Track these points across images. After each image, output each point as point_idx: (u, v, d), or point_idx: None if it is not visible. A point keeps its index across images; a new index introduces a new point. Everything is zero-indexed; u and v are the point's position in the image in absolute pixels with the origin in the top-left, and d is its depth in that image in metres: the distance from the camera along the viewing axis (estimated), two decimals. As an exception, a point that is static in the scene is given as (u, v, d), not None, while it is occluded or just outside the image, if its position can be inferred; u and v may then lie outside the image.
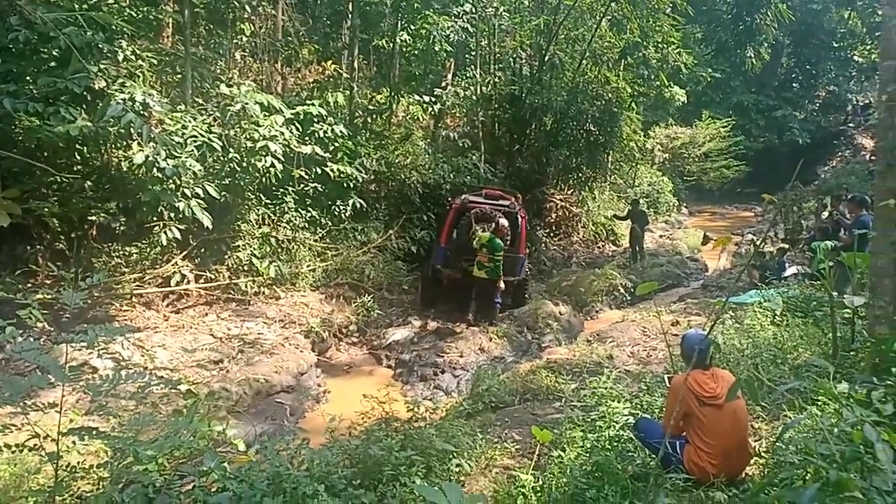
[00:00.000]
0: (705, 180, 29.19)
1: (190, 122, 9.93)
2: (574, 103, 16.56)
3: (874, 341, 4.31)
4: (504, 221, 11.48)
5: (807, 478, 3.20)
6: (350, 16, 15.38)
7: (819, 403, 3.94)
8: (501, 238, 11.14)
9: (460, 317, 11.57)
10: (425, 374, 9.50)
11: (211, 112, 10.70)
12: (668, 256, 18.41)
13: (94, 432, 3.64)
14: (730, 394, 3.80)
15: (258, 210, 11.36)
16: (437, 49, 15.22)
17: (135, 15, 10.92)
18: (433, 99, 14.78)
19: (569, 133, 17.26)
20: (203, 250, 10.43)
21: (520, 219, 12.24)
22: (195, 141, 9.75)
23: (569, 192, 18.80)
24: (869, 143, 34.70)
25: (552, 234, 18.00)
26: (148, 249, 9.82)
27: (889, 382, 3.86)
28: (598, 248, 19.25)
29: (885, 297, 4.56)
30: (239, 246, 10.74)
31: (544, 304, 12.30)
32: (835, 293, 5.73)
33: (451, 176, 14.48)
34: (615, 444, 4.60)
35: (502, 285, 11.23)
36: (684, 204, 29.06)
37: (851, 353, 5.00)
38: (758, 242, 17.10)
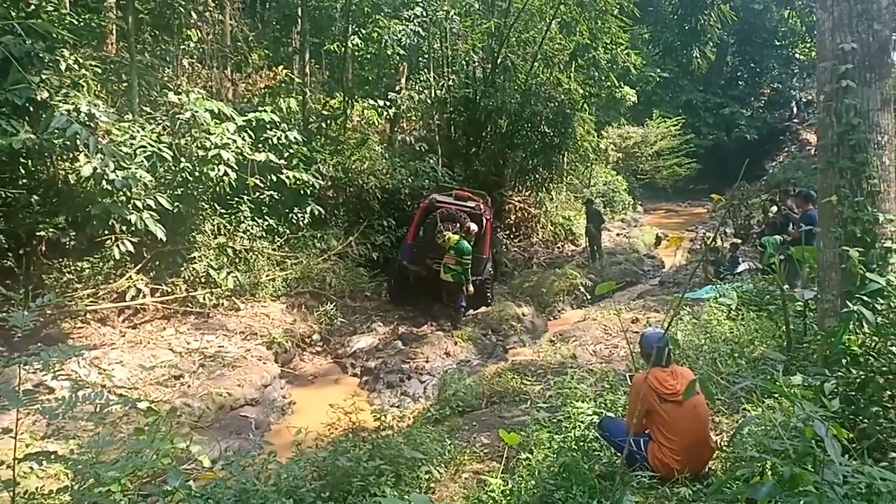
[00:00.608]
0: (658, 178, 29.76)
1: (138, 131, 9.73)
2: (528, 105, 16.72)
3: (824, 334, 4.47)
4: (473, 226, 11.65)
5: (763, 473, 3.32)
6: (300, 20, 15.25)
7: (775, 397, 4.07)
8: (469, 240, 11.28)
9: (427, 320, 11.70)
10: (391, 381, 9.49)
11: (160, 121, 10.49)
12: (626, 255, 18.72)
13: (53, 456, 3.55)
14: (686, 392, 3.96)
15: (213, 220, 11.18)
16: (389, 53, 15.19)
17: (76, 22, 10.62)
18: (388, 103, 14.76)
19: (524, 135, 17.41)
20: (158, 263, 10.23)
21: (485, 220, 12.41)
22: (144, 151, 9.55)
23: (527, 194, 18.97)
24: (813, 138, 35.94)
25: (512, 236, 18.15)
26: (100, 264, 9.57)
27: (839, 374, 4.04)
28: (558, 248, 19.45)
29: (832, 290, 4.75)
30: (195, 257, 10.56)
31: (507, 306, 12.43)
32: (786, 287, 5.91)
33: (410, 180, 14.48)
34: (581, 444, 4.66)
35: (471, 289, 11.36)
36: (639, 202, 29.59)
37: (804, 345, 5.14)
38: (710, 239, 17.55)
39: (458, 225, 11.98)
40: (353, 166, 13.86)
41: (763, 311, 7.69)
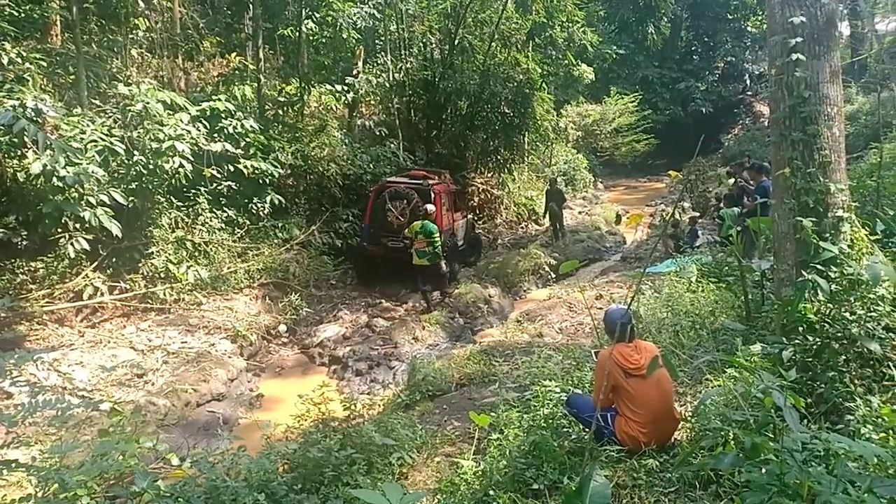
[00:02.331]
0: (618, 155, 30.00)
1: (88, 125, 9.46)
2: (487, 86, 16.70)
3: (781, 303, 4.57)
4: (430, 207, 11.83)
5: (727, 443, 3.40)
6: (252, 5, 14.94)
7: (736, 368, 4.17)
8: (432, 221, 11.47)
9: (395, 304, 11.95)
10: (360, 369, 9.51)
11: (111, 114, 10.22)
12: (588, 232, 18.91)
13: (14, 464, 3.46)
14: (650, 366, 4.01)
15: (170, 214, 10.98)
16: (344, 36, 15.03)
17: (17, 14, 10.25)
18: (346, 88, 14.61)
19: (484, 116, 17.39)
20: (115, 260, 10.01)
21: (433, 194, 12.66)
22: (96, 145, 9.30)
23: (489, 176, 19.00)
24: (766, 110, 36.61)
25: (476, 218, 18.19)
26: (55, 263, 9.33)
27: (796, 342, 4.15)
28: (522, 228, 19.55)
29: (787, 260, 4.86)
30: (153, 253, 10.38)
31: (474, 288, 12.54)
32: (744, 258, 6.03)
33: (371, 166, 14.43)
34: (550, 421, 4.73)
35: (444, 266, 11.68)
36: (600, 179, 29.82)
37: (762, 314, 5.25)
38: (669, 214, 17.81)
39: (406, 201, 12.46)
40: (313, 153, 13.74)
41: (722, 283, 7.82)
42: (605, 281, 12.77)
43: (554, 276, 14.31)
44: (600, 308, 9.72)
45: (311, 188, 13.80)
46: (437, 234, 11.30)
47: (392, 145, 15.38)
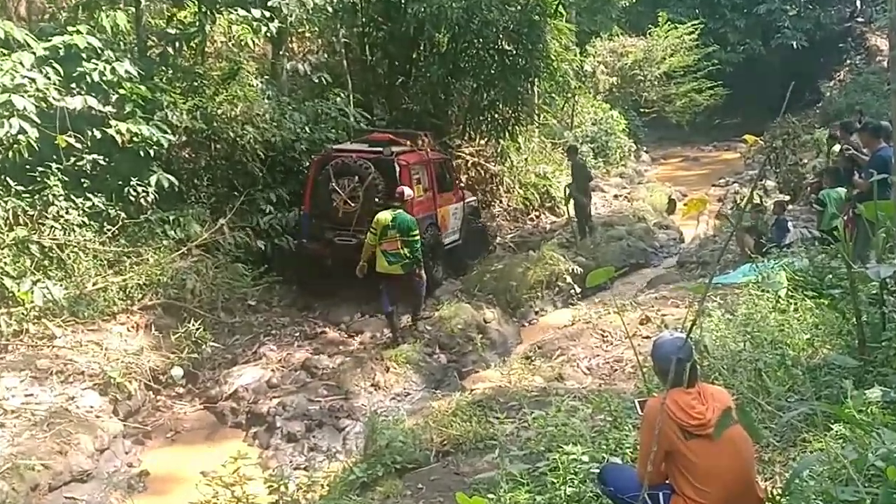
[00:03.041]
0: (670, 112, 30.08)
1: None
2: (477, 11, 16.62)
3: (909, 327, 4.59)
4: (408, 191, 11.93)
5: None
6: None
7: (845, 423, 4.16)
8: (409, 210, 11.62)
9: (346, 331, 12.27)
10: (294, 432, 9.52)
11: None
12: (628, 225, 18.98)
13: None
14: (720, 422, 3.93)
15: (6, 203, 10.88)
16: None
17: None
18: (267, 14, 14.51)
19: (474, 55, 17.39)
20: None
21: (398, 167, 12.97)
22: None
23: (482, 143, 19.01)
24: (885, 44, 36.88)
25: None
26: None
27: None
28: (531, 220, 19.64)
29: (919, 264, 4.85)
30: (-23, 262, 10.28)
31: (462, 310, 12.62)
32: (855, 262, 6.04)
33: (307, 129, 14.48)
34: (576, 505, 4.73)
35: (423, 275, 11.90)
36: (644, 148, 30.01)
37: (882, 344, 5.32)
38: (746, 198, 17.88)
39: (358, 178, 12.89)
40: (220, 112, 13.68)
41: (824, 298, 7.83)
42: (654, 297, 12.81)
43: (579, 290, 14.24)
44: (647, 337, 9.74)
45: (217, 163, 13.77)
46: (416, 232, 11.48)
47: (339, 99, 15.35)
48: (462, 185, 16.72)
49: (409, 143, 14.06)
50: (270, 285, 13.06)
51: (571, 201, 17.33)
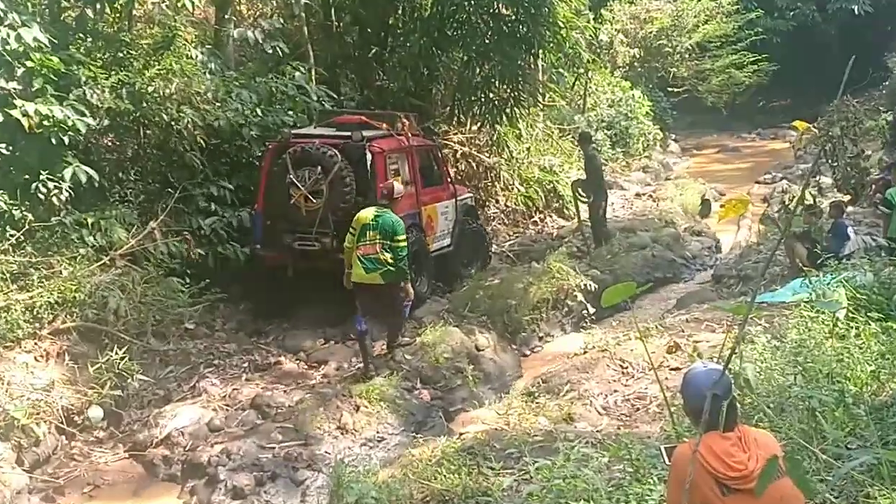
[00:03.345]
0: (704, 91, 30.22)
1: None
2: (469, -31, 16.69)
3: None
4: (398, 187, 12.09)
5: None
6: None
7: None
8: (396, 210, 11.73)
9: (307, 361, 12.35)
10: (241, 486, 9.44)
11: None
12: (654, 231, 19.07)
13: None
14: (764, 473, 4.01)
15: None
16: None
17: None
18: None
19: (464, 21, 17.41)
20: None
21: (370, 156, 13.02)
22: None
23: (474, 130, 19.05)
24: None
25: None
26: None
27: None
28: (534, 224, 19.67)
29: None
30: None
31: (449, 335, 12.61)
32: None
33: (258, 111, 14.44)
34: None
35: (411, 292, 11.94)
36: (673, 135, 30.06)
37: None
38: (796, 198, 17.75)
39: (322, 169, 12.87)
40: (151, 90, 13.56)
41: (893, 322, 8.09)
42: (685, 319, 12.94)
43: (593, 310, 14.38)
44: (676, 369, 9.92)
45: (147, 153, 13.85)
46: (403, 237, 11.56)
47: (298, 74, 15.33)
48: (452, 178, 16.62)
49: (385, 126, 14.04)
50: (213, 304, 13.04)
51: (577, 200, 17.39)
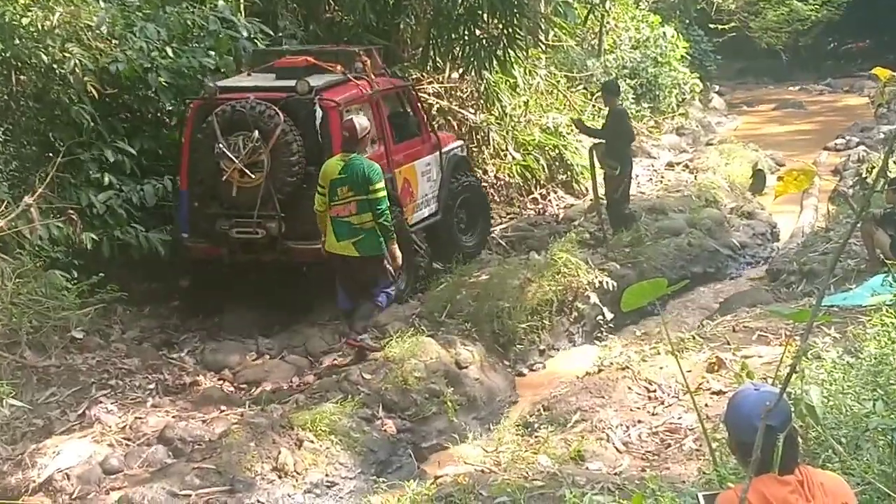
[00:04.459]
0: (757, 29, 30.22)
1: None
2: None
3: None
4: (362, 122, 12.13)
5: None
6: None
7: None
8: (321, 152, 12.13)
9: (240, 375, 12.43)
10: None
11: None
12: (691, 212, 19.12)
13: None
14: None
15: None
16: None
17: None
18: None
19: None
20: None
21: (321, 112, 13.07)
22: None
23: (456, 78, 19.23)
24: None
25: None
26: None
27: None
28: (533, 201, 19.83)
29: None
30: None
31: (421, 348, 12.53)
32: None
33: (169, 51, 14.41)
34: None
35: (399, 263, 12.21)
36: (716, 87, 30.14)
37: None
38: (875, 170, 17.78)
39: (261, 134, 12.88)
40: (26, 23, 13.52)
41: None
42: (731, 328, 12.89)
43: (610, 316, 14.57)
44: (718, 393, 9.95)
45: (21, 105, 13.85)
46: (381, 185, 11.78)
47: (221, 3, 15.37)
48: (433, 125, 16.67)
49: (339, 68, 13.89)
50: (108, 306, 12.98)
51: (601, 173, 17.32)
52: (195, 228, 13.14)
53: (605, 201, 17.55)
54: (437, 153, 15.46)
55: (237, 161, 12.66)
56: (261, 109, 12.78)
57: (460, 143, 17.06)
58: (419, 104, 16.20)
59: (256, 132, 12.67)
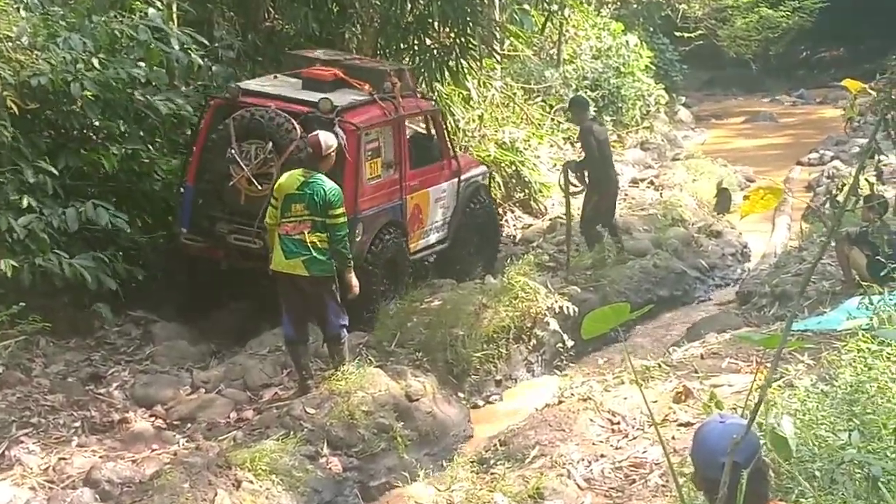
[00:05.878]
0: (726, 38, 30.41)
1: None
2: None
3: None
4: (328, 140, 12.07)
5: None
6: None
7: None
8: (332, 175, 11.97)
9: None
10: None
11: None
12: (656, 232, 19.26)
13: None
14: None
15: None
16: None
17: None
18: None
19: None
20: None
21: (343, 135, 13.00)
22: None
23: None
24: None
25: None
26: None
27: None
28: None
29: None
30: None
31: (369, 379, 12.48)
32: None
33: (95, 62, 14.22)
34: None
35: (355, 284, 12.21)
36: (682, 99, 30.26)
37: None
38: (846, 186, 17.76)
39: (274, 146, 13.26)
40: None
41: None
42: (699, 354, 12.98)
43: (571, 344, 14.59)
44: (686, 424, 10.03)
45: None
46: (342, 212, 11.87)
47: (152, 11, 15.26)
48: (455, 150, 16.72)
49: (367, 87, 13.97)
50: (30, 338, 12.82)
51: (567, 188, 17.36)
52: (195, 226, 13.41)
53: (580, 219, 17.68)
54: (456, 180, 15.59)
55: (246, 169, 12.94)
56: (279, 122, 13.07)
57: (483, 169, 17.28)
58: (445, 128, 16.28)
59: (271, 143, 13.02)
